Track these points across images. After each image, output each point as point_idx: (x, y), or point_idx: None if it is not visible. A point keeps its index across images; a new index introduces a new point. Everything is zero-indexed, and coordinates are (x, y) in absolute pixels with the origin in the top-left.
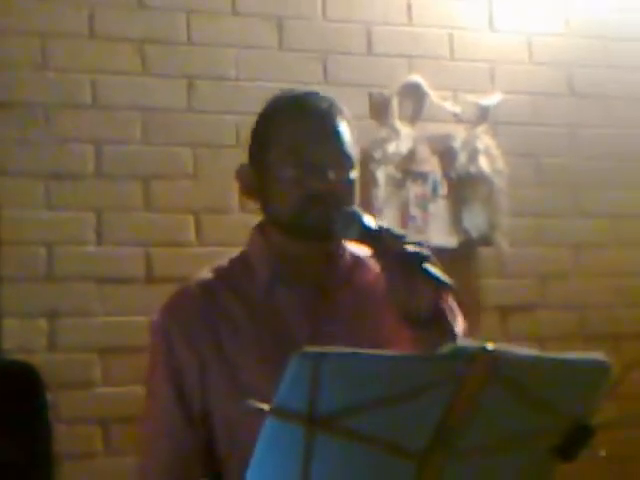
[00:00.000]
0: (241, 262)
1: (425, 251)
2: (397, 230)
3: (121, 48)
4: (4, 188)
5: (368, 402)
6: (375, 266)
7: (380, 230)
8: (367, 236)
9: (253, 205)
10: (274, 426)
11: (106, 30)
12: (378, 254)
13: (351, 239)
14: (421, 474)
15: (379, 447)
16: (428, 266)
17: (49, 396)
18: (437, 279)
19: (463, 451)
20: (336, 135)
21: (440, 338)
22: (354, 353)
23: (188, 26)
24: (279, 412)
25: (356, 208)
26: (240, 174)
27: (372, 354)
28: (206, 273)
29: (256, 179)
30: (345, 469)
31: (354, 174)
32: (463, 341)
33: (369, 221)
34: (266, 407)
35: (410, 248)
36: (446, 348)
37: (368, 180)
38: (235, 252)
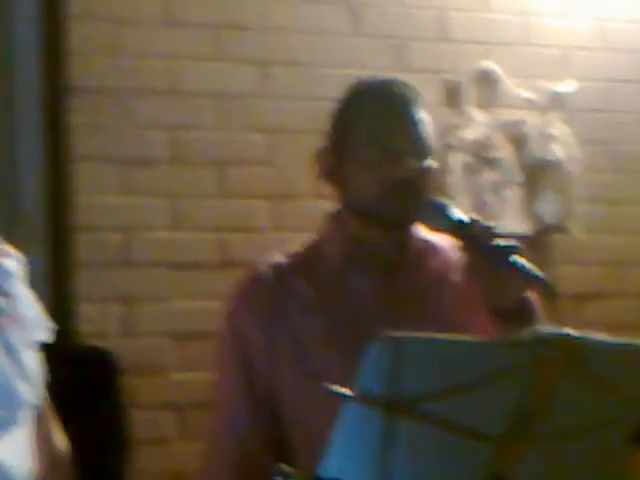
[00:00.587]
0: (313, 247)
1: (514, 243)
2: (485, 222)
3: (196, 34)
4: (80, 174)
5: (447, 387)
6: (446, 251)
7: (468, 222)
8: (455, 228)
9: (327, 191)
10: (354, 410)
11: (181, 16)
12: (466, 246)
13: (438, 230)
14: (499, 459)
15: (457, 431)
16: (517, 259)
17: (124, 381)
18: (526, 272)
19: (540, 437)
20: (416, 123)
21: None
22: (434, 338)
23: (262, 12)
24: (359, 396)
25: (443, 200)
26: (318, 157)
27: (452, 339)
28: (278, 257)
29: (334, 163)
30: (424, 453)
31: (432, 163)
32: (543, 327)
33: (457, 213)
34: (346, 391)
35: (499, 240)
36: (526, 334)
37: (442, 167)
38: (308, 237)
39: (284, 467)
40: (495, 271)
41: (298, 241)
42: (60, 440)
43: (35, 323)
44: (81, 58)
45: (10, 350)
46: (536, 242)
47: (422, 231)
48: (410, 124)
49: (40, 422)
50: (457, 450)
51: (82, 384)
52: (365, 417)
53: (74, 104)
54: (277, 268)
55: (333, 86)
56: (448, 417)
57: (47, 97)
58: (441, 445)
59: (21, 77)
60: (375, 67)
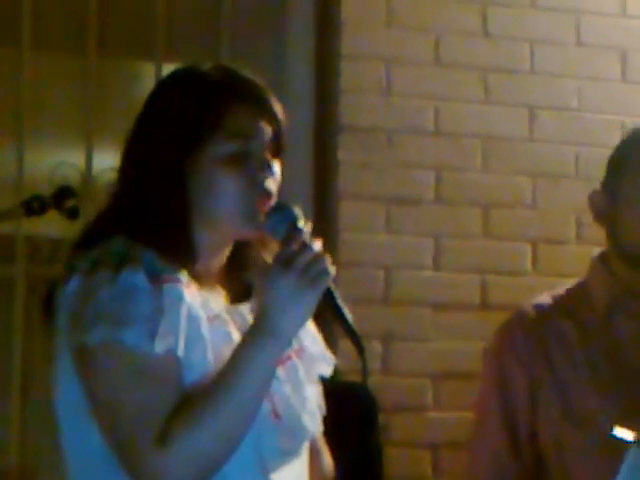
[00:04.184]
0: (579, 290)
1: None
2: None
3: (464, 76)
4: (346, 211)
5: None
6: None
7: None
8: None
9: (591, 237)
10: (637, 455)
11: (451, 58)
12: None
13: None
14: None
15: None
16: None
17: (381, 419)
18: None
19: None
20: None
21: None
22: None
23: (532, 55)
24: None
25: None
26: (592, 199)
27: None
28: (543, 298)
29: (607, 205)
30: None
31: None
32: None
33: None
34: (631, 436)
35: None
36: None
37: None
38: (571, 282)
39: None
40: None
41: (561, 285)
42: (330, 467)
43: (318, 357)
44: (352, 97)
45: (296, 383)
46: None
47: None
48: None
49: (315, 453)
50: None
51: (340, 420)
52: None
53: (344, 142)
54: (541, 309)
55: (600, 132)
56: None
57: (318, 135)
58: None
59: (294, 115)
60: None
